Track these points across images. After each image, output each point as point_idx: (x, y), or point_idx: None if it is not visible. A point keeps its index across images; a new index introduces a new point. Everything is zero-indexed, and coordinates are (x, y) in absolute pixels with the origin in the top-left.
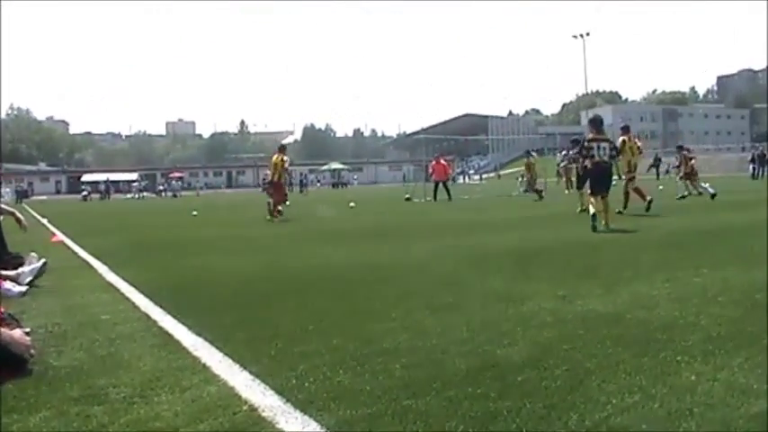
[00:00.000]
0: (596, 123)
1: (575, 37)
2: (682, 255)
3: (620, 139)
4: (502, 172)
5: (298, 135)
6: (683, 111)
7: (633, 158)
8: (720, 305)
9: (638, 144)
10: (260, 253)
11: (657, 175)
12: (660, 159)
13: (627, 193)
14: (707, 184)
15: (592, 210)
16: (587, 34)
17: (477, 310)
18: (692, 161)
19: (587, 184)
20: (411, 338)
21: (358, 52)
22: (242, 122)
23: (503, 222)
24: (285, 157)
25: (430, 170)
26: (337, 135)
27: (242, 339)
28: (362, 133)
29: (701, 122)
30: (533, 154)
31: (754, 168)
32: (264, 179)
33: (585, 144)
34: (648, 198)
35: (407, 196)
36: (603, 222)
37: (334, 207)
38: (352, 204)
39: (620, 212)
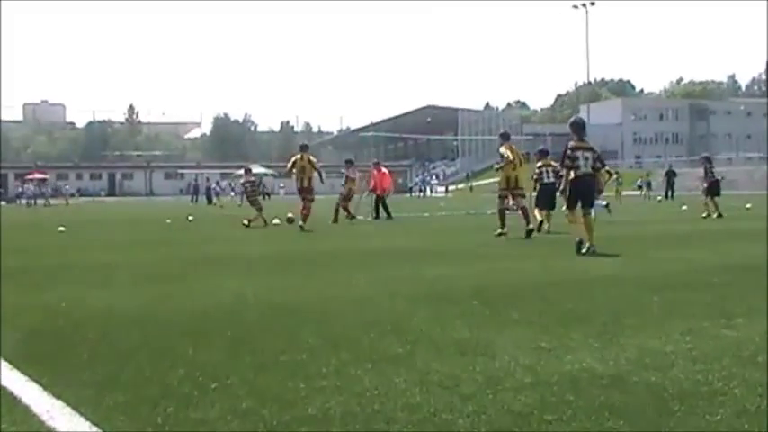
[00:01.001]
0: (578, 128)
1: (575, 7)
2: (707, 298)
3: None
4: (475, 182)
5: (206, 128)
6: (716, 107)
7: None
8: (759, 368)
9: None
10: (147, 285)
11: (668, 192)
12: (675, 173)
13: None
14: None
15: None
16: (592, 3)
17: (434, 365)
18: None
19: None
20: (345, 401)
21: (286, 21)
22: (130, 109)
23: (472, 249)
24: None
25: (372, 182)
26: (259, 129)
27: (117, 403)
28: (293, 128)
29: (742, 123)
30: None
31: None
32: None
33: (569, 153)
34: (530, 226)
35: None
36: (580, 240)
37: (253, 224)
38: (275, 222)
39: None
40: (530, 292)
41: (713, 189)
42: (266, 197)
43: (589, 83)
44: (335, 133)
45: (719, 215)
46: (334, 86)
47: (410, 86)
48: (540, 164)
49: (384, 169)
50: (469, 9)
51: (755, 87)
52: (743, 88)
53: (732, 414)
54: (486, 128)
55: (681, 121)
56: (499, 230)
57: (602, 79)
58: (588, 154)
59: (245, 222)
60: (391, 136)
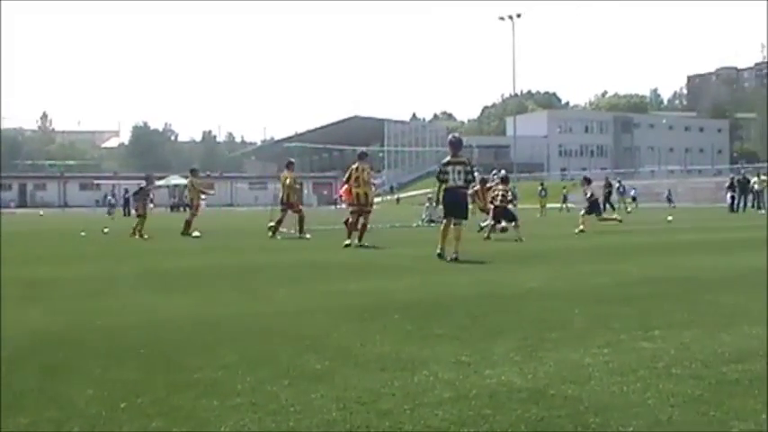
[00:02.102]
0: (454, 145)
1: (501, 18)
2: (627, 311)
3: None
4: (402, 194)
5: (124, 137)
6: (641, 120)
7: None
8: (675, 380)
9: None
10: (55, 302)
11: (605, 205)
12: (612, 184)
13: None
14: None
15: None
16: (518, 15)
17: (353, 380)
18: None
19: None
20: (261, 419)
21: (208, 28)
22: (44, 116)
23: (398, 263)
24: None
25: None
26: (180, 139)
27: (20, 425)
28: (215, 137)
29: (665, 136)
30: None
31: (733, 198)
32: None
33: (441, 168)
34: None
35: (271, 224)
36: (440, 249)
37: (170, 237)
38: (196, 234)
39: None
40: (455, 307)
41: (593, 208)
42: (185, 209)
43: (516, 95)
44: (259, 143)
45: (582, 231)
46: (257, 96)
47: (336, 96)
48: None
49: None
50: (397, 18)
51: (677, 101)
52: (665, 101)
53: (645, 426)
54: (413, 139)
55: (606, 133)
56: (347, 242)
57: (529, 91)
58: (459, 167)
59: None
60: (316, 147)
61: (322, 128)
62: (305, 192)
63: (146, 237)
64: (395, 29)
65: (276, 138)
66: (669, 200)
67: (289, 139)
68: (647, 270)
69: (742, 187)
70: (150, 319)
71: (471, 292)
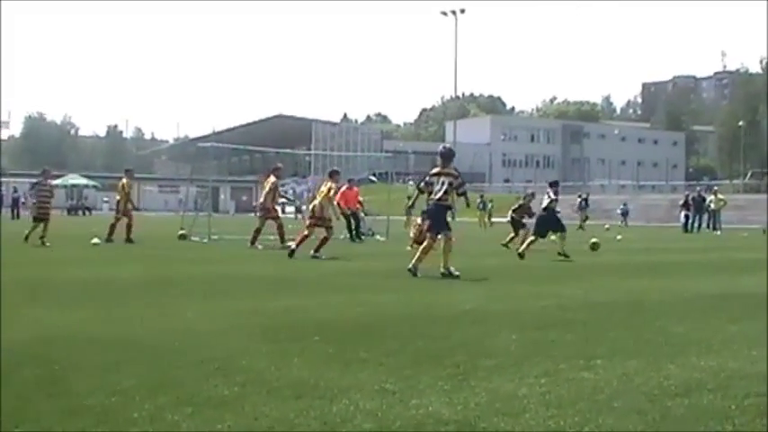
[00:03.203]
0: (444, 157)
1: (444, 14)
2: (568, 338)
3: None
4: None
5: (15, 130)
6: (591, 129)
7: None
8: (616, 414)
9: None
10: None
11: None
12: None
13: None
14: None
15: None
16: (462, 11)
17: (264, 408)
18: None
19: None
20: None
21: (118, 12)
22: None
23: (325, 279)
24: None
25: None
26: (81, 134)
27: None
28: (121, 133)
29: (617, 147)
30: (373, 179)
31: (687, 217)
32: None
33: (427, 179)
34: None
35: (182, 232)
36: (413, 266)
37: (68, 244)
38: (95, 241)
39: None
40: (383, 329)
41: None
42: (86, 212)
43: (457, 97)
44: (171, 142)
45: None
46: (171, 88)
47: (259, 93)
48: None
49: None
50: (329, 9)
51: (631, 111)
52: (618, 110)
53: None
54: (344, 142)
55: (553, 143)
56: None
57: (472, 94)
58: (444, 179)
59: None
60: (236, 148)
61: (242, 126)
62: (221, 197)
63: (47, 244)
64: (325, 20)
65: (191, 136)
66: (624, 215)
67: (205, 137)
68: (591, 293)
69: (697, 206)
70: (38, 335)
71: (401, 313)
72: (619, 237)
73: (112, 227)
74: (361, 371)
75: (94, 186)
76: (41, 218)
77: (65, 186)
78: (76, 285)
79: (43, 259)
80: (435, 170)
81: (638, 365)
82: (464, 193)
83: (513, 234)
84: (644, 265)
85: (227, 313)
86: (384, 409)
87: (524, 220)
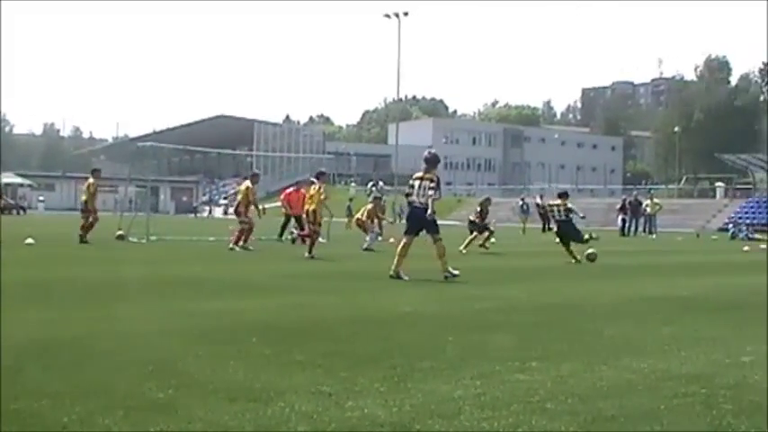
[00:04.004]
0: (427, 161)
1: (387, 16)
2: (504, 340)
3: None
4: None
5: None
6: (531, 134)
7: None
8: (549, 415)
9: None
10: None
11: (546, 225)
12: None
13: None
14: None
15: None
16: (405, 14)
17: (198, 411)
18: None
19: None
20: None
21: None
22: None
23: (265, 280)
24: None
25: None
26: (16, 131)
27: None
28: (58, 131)
29: (557, 151)
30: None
31: (624, 221)
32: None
33: (410, 182)
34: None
35: (120, 233)
36: (394, 270)
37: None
38: (30, 241)
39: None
40: (320, 331)
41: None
42: (21, 212)
43: (400, 100)
44: (110, 141)
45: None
46: (110, 86)
47: (201, 93)
48: None
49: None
50: (272, 9)
51: (570, 116)
52: (558, 116)
53: None
54: (286, 143)
55: (494, 146)
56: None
57: (414, 97)
58: (425, 183)
59: None
60: (176, 148)
61: (183, 126)
62: (161, 197)
63: (29, 241)
64: (267, 20)
65: (131, 135)
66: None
67: (145, 137)
68: (529, 296)
69: (633, 210)
70: None
71: (339, 315)
72: (557, 240)
73: (85, 227)
74: (298, 373)
75: (29, 185)
76: None
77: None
78: (8, 288)
79: None
80: (418, 174)
81: (572, 367)
82: (433, 199)
83: (473, 235)
84: (581, 268)
85: (162, 315)
86: (320, 411)
87: (485, 223)
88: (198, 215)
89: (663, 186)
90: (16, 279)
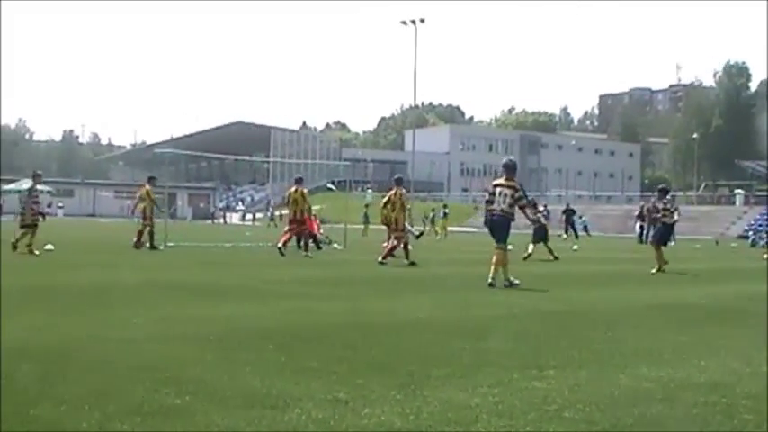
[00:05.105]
0: (507, 168)
1: (404, 23)
2: (519, 348)
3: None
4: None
5: None
6: (549, 140)
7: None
8: (567, 424)
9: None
10: None
11: (567, 229)
12: (573, 211)
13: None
14: None
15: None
16: (422, 20)
17: (215, 417)
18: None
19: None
20: None
21: (75, 14)
22: None
23: (275, 287)
24: None
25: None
26: (36, 138)
27: None
28: (77, 138)
29: (574, 158)
30: (332, 187)
31: (642, 228)
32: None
33: (490, 189)
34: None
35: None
36: (492, 278)
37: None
38: (49, 247)
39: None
40: (332, 337)
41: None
42: (41, 217)
43: (416, 106)
44: (128, 148)
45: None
46: (129, 93)
47: (219, 100)
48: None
49: None
50: (290, 16)
51: (588, 122)
52: (575, 121)
53: None
54: (302, 150)
55: (511, 153)
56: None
57: (431, 103)
58: (507, 191)
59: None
60: (193, 154)
61: (201, 133)
62: (178, 203)
63: (37, 252)
64: (285, 28)
65: (149, 142)
66: (585, 228)
67: (163, 143)
68: (542, 303)
69: (652, 217)
70: None
71: (352, 321)
72: (575, 247)
73: (140, 233)
74: (313, 379)
75: (49, 191)
76: (33, 224)
77: (18, 191)
78: (19, 293)
79: None
80: (497, 181)
81: (588, 375)
82: (524, 207)
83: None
84: (597, 275)
85: (176, 321)
86: (336, 418)
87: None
88: (215, 221)
89: (681, 193)
90: (32, 284)
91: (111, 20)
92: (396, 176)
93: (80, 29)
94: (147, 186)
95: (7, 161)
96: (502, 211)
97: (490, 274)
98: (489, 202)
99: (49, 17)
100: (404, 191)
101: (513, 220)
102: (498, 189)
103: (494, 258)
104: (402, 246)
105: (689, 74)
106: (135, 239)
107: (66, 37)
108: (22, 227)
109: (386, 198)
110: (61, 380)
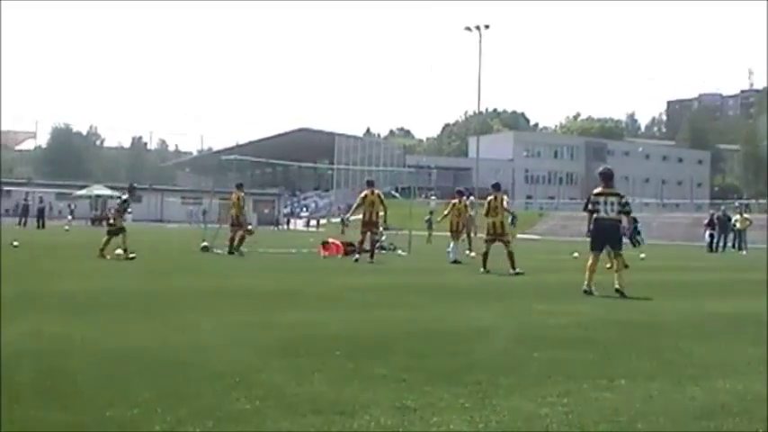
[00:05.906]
0: (605, 176)
1: (468, 29)
2: (588, 357)
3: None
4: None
5: (42, 139)
6: (615, 147)
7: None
8: None
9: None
10: None
11: (633, 238)
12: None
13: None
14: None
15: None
16: (486, 27)
17: (284, 423)
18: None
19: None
20: None
21: (144, 23)
22: None
23: (337, 294)
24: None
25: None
26: (106, 144)
27: None
28: (146, 144)
29: (641, 165)
30: (395, 194)
31: (712, 236)
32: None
33: (591, 198)
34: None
35: (205, 244)
36: (587, 285)
37: (90, 255)
38: (118, 252)
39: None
40: (399, 345)
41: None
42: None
43: (480, 113)
44: (195, 154)
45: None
46: (194, 101)
47: (282, 106)
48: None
49: None
50: (353, 24)
51: (655, 128)
52: (642, 128)
53: None
54: (366, 156)
55: (576, 160)
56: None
57: (495, 110)
58: (612, 199)
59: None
60: (258, 161)
61: (265, 140)
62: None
63: (132, 255)
64: (350, 35)
65: (214, 149)
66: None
67: (228, 150)
68: (610, 312)
69: (722, 225)
70: (54, 345)
71: (417, 329)
72: (642, 255)
73: (232, 239)
74: (381, 387)
75: (118, 197)
76: (121, 229)
77: (89, 197)
78: (86, 296)
79: (61, 270)
80: (598, 190)
81: (660, 386)
82: (629, 212)
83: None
84: (666, 283)
85: (242, 326)
86: (405, 425)
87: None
88: (279, 227)
89: (753, 201)
90: (91, 289)
91: (179, 28)
92: (493, 183)
93: (150, 39)
94: (240, 193)
95: (78, 166)
96: (611, 219)
97: (585, 282)
98: (594, 211)
99: (118, 27)
100: (501, 195)
101: (621, 225)
102: (602, 198)
103: (588, 263)
104: (483, 254)
105: (761, 79)
106: (228, 244)
107: (136, 47)
108: (109, 233)
109: (485, 206)
110: (135, 383)
